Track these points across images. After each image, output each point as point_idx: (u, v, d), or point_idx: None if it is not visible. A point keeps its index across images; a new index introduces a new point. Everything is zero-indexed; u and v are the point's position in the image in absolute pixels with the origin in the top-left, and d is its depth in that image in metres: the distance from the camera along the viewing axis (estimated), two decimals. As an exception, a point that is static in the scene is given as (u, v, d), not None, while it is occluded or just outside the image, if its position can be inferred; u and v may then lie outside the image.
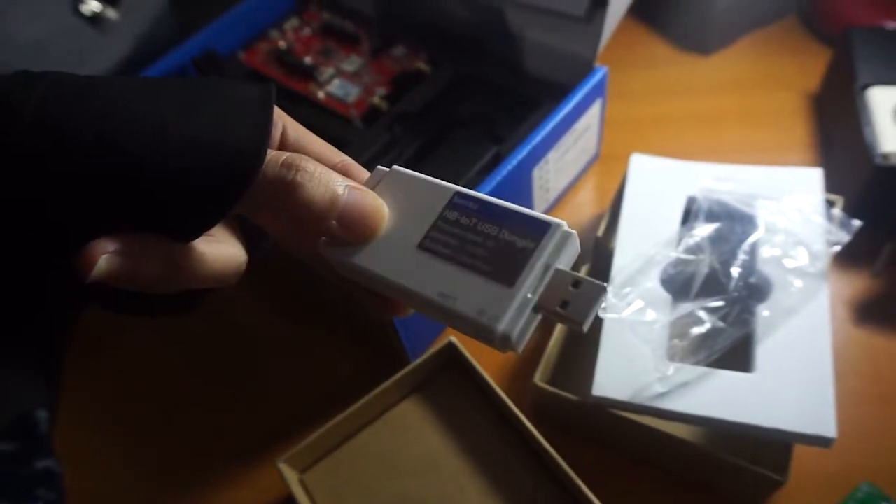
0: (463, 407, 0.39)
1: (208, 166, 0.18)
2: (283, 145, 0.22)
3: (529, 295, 0.19)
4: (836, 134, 0.50)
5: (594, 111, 0.47)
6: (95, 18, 0.52)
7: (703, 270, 0.37)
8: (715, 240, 0.38)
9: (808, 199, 0.38)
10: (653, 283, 0.37)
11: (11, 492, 0.39)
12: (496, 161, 0.43)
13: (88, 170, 0.18)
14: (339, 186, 0.20)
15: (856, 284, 0.43)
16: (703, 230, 0.38)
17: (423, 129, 0.47)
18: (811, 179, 0.40)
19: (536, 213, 0.20)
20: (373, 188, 0.22)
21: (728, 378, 0.34)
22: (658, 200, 0.41)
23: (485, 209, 0.20)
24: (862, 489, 0.35)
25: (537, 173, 0.44)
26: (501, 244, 0.20)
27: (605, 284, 0.19)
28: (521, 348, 0.19)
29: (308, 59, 0.53)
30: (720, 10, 0.56)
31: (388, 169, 0.23)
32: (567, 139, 0.46)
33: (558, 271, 0.19)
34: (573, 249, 0.20)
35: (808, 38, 0.59)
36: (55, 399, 0.46)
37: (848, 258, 0.43)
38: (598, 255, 0.42)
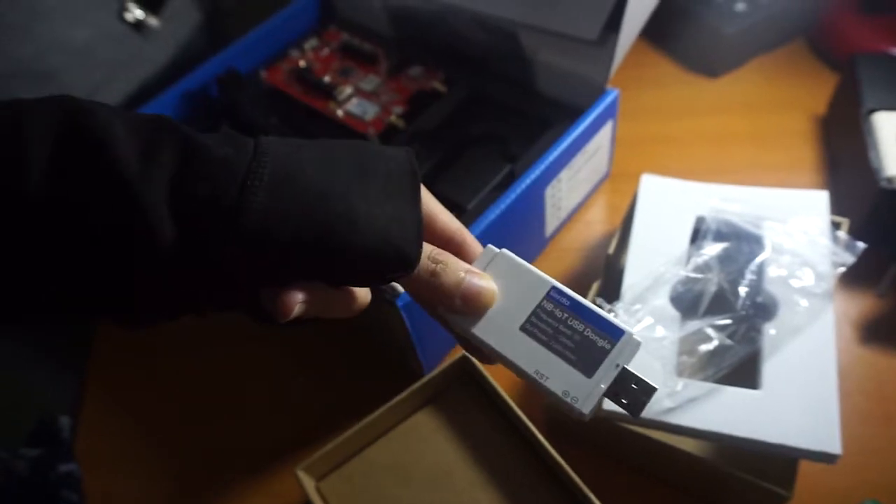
0: (476, 419, 0.40)
1: (383, 252, 0.23)
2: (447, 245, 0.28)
3: (602, 385, 0.24)
4: (842, 157, 0.51)
5: (605, 132, 0.49)
6: (138, 25, 0.54)
7: (712, 289, 0.38)
8: (723, 259, 0.39)
9: (815, 221, 0.39)
10: (662, 300, 0.38)
11: (37, 494, 0.40)
12: (510, 179, 0.45)
13: (296, 248, 0.22)
14: (462, 273, 0.26)
15: (861, 305, 0.44)
16: (712, 249, 0.39)
17: (439, 147, 0.49)
18: (817, 202, 0.41)
19: (615, 319, 0.25)
20: (484, 266, 0.28)
21: (735, 394, 0.34)
22: (668, 220, 0.42)
23: (575, 307, 0.26)
24: (866, 505, 0.36)
25: (550, 192, 0.46)
26: (586, 340, 0.25)
27: (657, 386, 0.24)
28: (590, 417, 0.25)
29: (327, 78, 0.55)
30: (729, 34, 0.58)
31: (497, 251, 0.28)
32: (579, 159, 0.47)
33: (625, 370, 0.25)
34: (636, 351, 0.25)
35: (816, 62, 0.60)
36: (78, 406, 0.48)
37: (853, 279, 0.44)
38: (609, 273, 0.43)
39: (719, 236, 0.40)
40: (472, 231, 0.40)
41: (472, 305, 0.26)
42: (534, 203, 0.45)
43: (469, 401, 0.41)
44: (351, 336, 0.48)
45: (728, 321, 0.37)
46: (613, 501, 0.34)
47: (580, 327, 0.25)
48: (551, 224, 0.49)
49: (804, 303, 0.36)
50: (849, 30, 0.57)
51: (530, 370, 0.25)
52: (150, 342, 0.51)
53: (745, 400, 0.34)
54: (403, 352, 0.43)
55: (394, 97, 0.53)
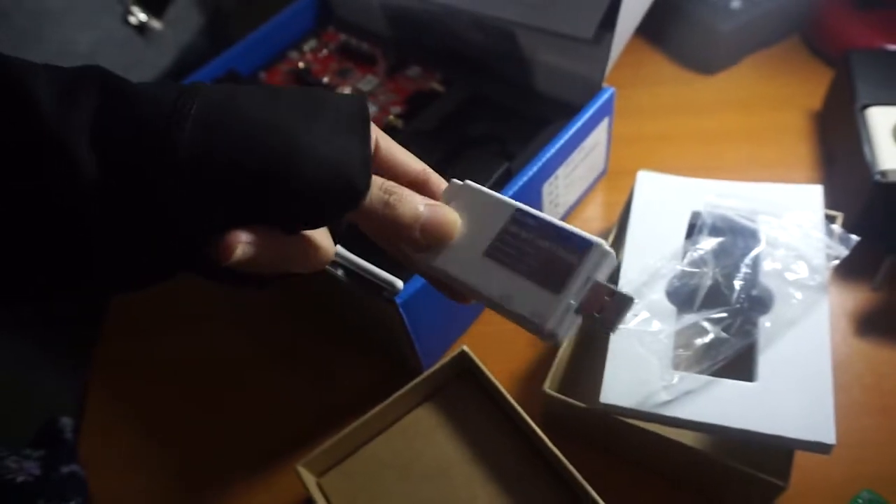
0: (474, 414, 0.41)
1: (329, 183, 0.22)
2: (376, 155, 0.26)
3: (572, 301, 0.23)
4: (837, 152, 0.51)
5: (602, 129, 0.49)
6: (142, 28, 0.55)
7: (707, 283, 0.38)
8: (718, 253, 0.39)
9: (809, 216, 0.40)
10: (658, 295, 0.39)
11: (44, 495, 0.41)
12: (507, 177, 0.45)
13: (235, 180, 0.21)
14: (420, 205, 0.25)
15: (857, 298, 0.44)
16: (707, 244, 0.40)
17: (437, 147, 0.49)
18: (812, 196, 0.41)
19: (583, 232, 0.24)
20: (448, 200, 0.26)
21: (731, 386, 0.35)
22: (663, 215, 0.43)
23: (541, 226, 0.24)
24: (863, 496, 0.36)
25: (547, 189, 0.46)
26: (552, 257, 0.24)
27: (634, 297, 0.23)
28: (563, 342, 0.24)
29: (326, 79, 0.55)
30: (725, 31, 0.58)
31: (461, 183, 0.27)
32: (576, 156, 0.47)
33: (597, 283, 0.23)
34: (610, 264, 0.24)
35: (811, 59, 0.61)
36: (81, 406, 0.48)
37: (849, 273, 0.45)
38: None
39: (714, 231, 0.40)
40: (469, 228, 0.41)
41: (433, 236, 0.25)
42: (531, 200, 0.45)
43: (467, 396, 0.41)
44: (350, 333, 0.48)
45: (723, 314, 0.37)
46: (611, 495, 0.34)
47: (546, 245, 0.24)
48: (549, 221, 0.50)
49: (799, 295, 0.37)
50: (843, 26, 0.58)
51: (495, 295, 0.24)
52: (151, 343, 0.51)
53: (740, 392, 0.35)
54: (402, 349, 0.43)
55: (392, 97, 0.53)
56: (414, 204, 0.25)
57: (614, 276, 0.40)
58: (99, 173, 0.20)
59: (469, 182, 0.27)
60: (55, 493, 0.41)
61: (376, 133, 0.26)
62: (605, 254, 0.23)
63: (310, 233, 0.25)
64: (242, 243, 0.22)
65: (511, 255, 0.24)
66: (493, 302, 0.24)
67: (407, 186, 0.26)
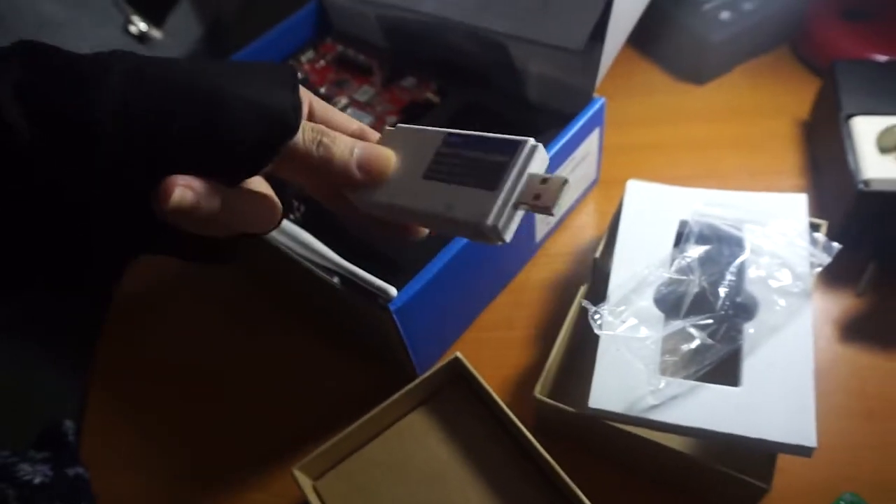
0: (467, 419, 0.41)
1: (258, 122, 0.23)
2: (311, 116, 0.27)
3: (511, 196, 0.24)
4: (823, 160, 0.52)
5: (593, 139, 0.50)
6: (142, 38, 0.56)
7: (694, 290, 0.39)
8: (705, 261, 0.40)
9: (793, 224, 0.41)
10: (646, 302, 0.40)
11: (58, 497, 0.41)
12: (500, 186, 0.46)
13: (164, 129, 0.22)
14: (354, 143, 0.26)
15: (841, 304, 0.45)
16: (694, 252, 0.41)
17: (431, 156, 0.50)
18: (796, 204, 0.42)
19: (511, 136, 0.25)
20: (386, 139, 0.28)
21: (716, 391, 0.36)
22: (652, 224, 0.44)
23: (470, 140, 0.26)
24: (845, 498, 0.37)
25: (538, 198, 0.47)
26: (485, 162, 0.25)
27: (566, 177, 0.24)
28: (508, 237, 0.24)
29: (323, 89, 0.56)
30: (715, 42, 0.59)
31: (395, 127, 0.28)
32: (567, 165, 0.48)
33: (530, 175, 0.24)
34: (541, 158, 0.25)
35: (800, 69, 0.62)
36: (82, 409, 0.49)
37: (834, 279, 0.46)
38: (596, 276, 0.45)
39: (702, 239, 0.41)
40: (461, 238, 0.42)
41: (369, 171, 0.26)
42: (523, 209, 0.46)
43: (461, 401, 0.42)
44: (347, 339, 0.49)
45: (709, 321, 0.38)
46: (600, 497, 0.35)
47: (478, 154, 0.25)
48: (541, 229, 0.51)
49: (782, 302, 0.38)
50: (830, 37, 0.59)
51: (438, 209, 0.25)
52: (150, 347, 0.52)
53: (725, 397, 0.35)
54: (397, 355, 0.44)
55: (388, 107, 0.54)
56: (348, 143, 0.26)
57: (603, 285, 0.41)
58: (32, 134, 0.21)
59: (401, 125, 0.28)
60: (65, 495, 0.42)
61: (309, 97, 0.27)
62: (533, 148, 0.24)
63: (252, 186, 0.26)
64: (179, 186, 0.22)
65: (447, 171, 0.26)
66: (437, 217, 0.25)
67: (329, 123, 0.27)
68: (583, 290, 0.44)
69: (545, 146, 0.45)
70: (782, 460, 0.37)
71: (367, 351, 0.48)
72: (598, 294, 0.41)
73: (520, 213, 0.24)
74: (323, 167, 0.25)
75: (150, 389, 0.50)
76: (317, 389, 0.47)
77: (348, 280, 0.41)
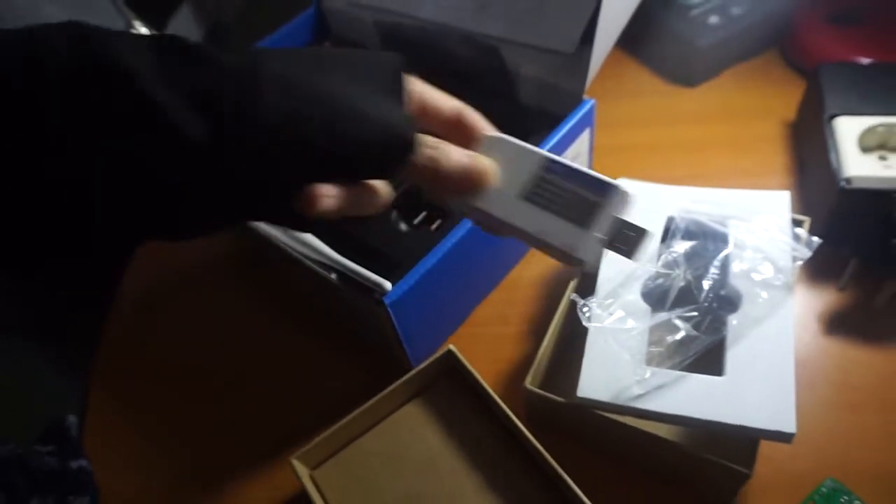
0: (461, 410, 0.43)
1: (381, 143, 0.27)
2: (412, 101, 0.30)
3: (598, 234, 0.28)
4: (808, 159, 0.54)
5: (583, 139, 0.51)
6: None
7: (679, 283, 0.40)
8: (690, 256, 0.41)
9: (776, 220, 0.42)
10: (634, 295, 0.41)
11: (60, 488, 0.43)
12: (492, 185, 0.47)
13: (311, 141, 0.25)
14: (463, 156, 0.29)
15: (825, 299, 0.46)
16: (681, 247, 0.42)
17: (427, 157, 0.51)
18: (780, 201, 0.44)
19: (605, 177, 0.29)
20: (485, 151, 0.31)
21: (700, 381, 0.37)
22: (640, 221, 0.45)
23: (569, 173, 0.29)
24: (826, 484, 0.38)
25: (530, 196, 0.48)
26: (581, 199, 0.28)
27: (648, 230, 0.28)
28: (595, 268, 0.30)
29: (321, 93, 0.58)
30: (704, 46, 0.61)
31: (496, 135, 0.31)
32: (558, 165, 0.50)
33: (617, 219, 0.28)
34: (629, 203, 0.29)
35: (788, 71, 0.63)
36: (84, 405, 0.50)
37: (817, 274, 0.47)
38: (585, 271, 0.46)
39: (688, 235, 0.43)
40: (456, 233, 0.43)
41: (474, 183, 0.29)
42: (515, 207, 0.48)
43: (454, 393, 0.43)
44: (344, 334, 0.50)
45: (694, 313, 0.39)
46: (587, 483, 0.36)
47: (574, 188, 0.29)
48: (533, 227, 0.52)
49: (765, 295, 0.39)
50: (818, 40, 0.60)
51: (533, 231, 0.29)
52: (150, 343, 0.53)
53: (709, 386, 0.37)
54: (392, 348, 0.45)
55: (384, 110, 0.56)
56: (455, 156, 0.29)
57: (592, 279, 0.43)
58: (202, 135, 0.24)
59: (502, 135, 0.31)
60: (70, 486, 0.43)
61: (410, 82, 0.29)
62: (625, 194, 0.28)
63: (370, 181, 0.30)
64: (325, 196, 0.27)
65: (545, 197, 0.29)
66: (530, 236, 0.29)
67: (443, 123, 0.30)
68: (572, 284, 0.45)
69: (537, 146, 0.46)
70: (768, 450, 0.38)
71: (364, 347, 0.50)
72: (588, 289, 0.42)
73: (604, 250, 0.28)
74: (430, 175, 0.29)
75: (149, 388, 0.51)
76: (315, 385, 0.49)
77: (345, 275, 0.42)
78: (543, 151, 0.30)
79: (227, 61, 0.25)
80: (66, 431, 0.47)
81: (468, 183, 0.29)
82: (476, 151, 0.30)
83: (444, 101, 0.31)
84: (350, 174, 0.28)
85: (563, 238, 0.28)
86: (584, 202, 0.28)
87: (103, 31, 0.24)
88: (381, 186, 0.30)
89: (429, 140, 0.29)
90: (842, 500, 0.38)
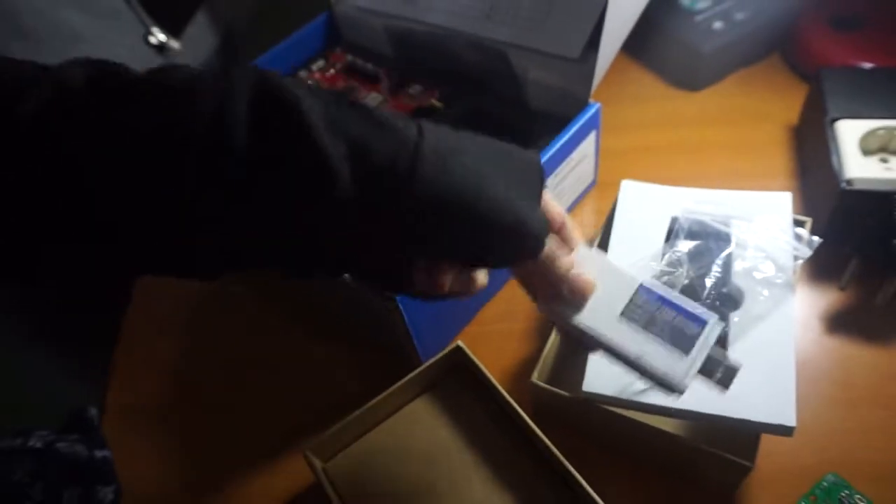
0: (469, 404, 0.44)
1: (520, 240, 0.28)
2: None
3: (697, 364, 0.30)
4: (810, 162, 0.55)
5: (589, 142, 0.53)
6: (161, 48, 0.59)
7: (683, 282, 0.41)
8: (694, 255, 0.42)
9: (777, 220, 0.43)
10: (638, 293, 0.42)
11: (88, 477, 0.44)
12: (500, 186, 0.49)
13: (452, 222, 0.26)
14: (570, 269, 0.31)
15: (826, 298, 0.47)
16: (684, 247, 0.43)
17: (436, 159, 0.53)
18: (781, 202, 0.45)
19: (698, 308, 0.31)
20: (581, 259, 0.32)
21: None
22: (645, 221, 0.46)
23: (662, 300, 0.31)
24: (828, 479, 0.39)
25: (537, 197, 0.50)
26: (679, 325, 0.31)
27: (740, 365, 0.30)
28: (687, 391, 0.30)
29: (333, 97, 0.59)
30: (708, 51, 0.62)
31: (591, 249, 0.33)
32: (564, 167, 0.51)
33: (713, 348, 0.30)
34: (720, 333, 0.31)
35: (790, 76, 0.64)
36: (103, 399, 0.52)
37: (818, 274, 0.48)
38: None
39: (691, 235, 0.44)
40: (464, 232, 0.44)
41: (576, 294, 0.31)
42: (522, 208, 0.49)
43: (462, 388, 0.44)
44: (356, 332, 0.52)
45: (697, 310, 0.40)
46: (593, 476, 0.37)
47: (671, 315, 0.31)
48: (540, 228, 0.53)
49: (766, 293, 0.40)
50: (820, 45, 0.61)
51: (632, 352, 0.30)
52: (167, 342, 0.55)
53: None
54: (403, 345, 0.46)
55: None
56: (566, 266, 0.31)
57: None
58: (352, 195, 0.24)
59: (598, 249, 0.34)
60: (95, 474, 0.44)
61: (566, 217, 0.32)
62: (718, 326, 0.31)
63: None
64: (451, 278, 0.29)
65: (643, 319, 0.31)
66: (628, 357, 0.31)
67: (552, 222, 0.32)
68: (579, 283, 0.46)
69: (543, 149, 0.48)
70: (770, 445, 0.39)
71: (375, 345, 0.51)
72: (593, 287, 0.43)
73: (697, 376, 0.31)
74: (539, 274, 0.31)
75: (165, 383, 0.52)
76: (328, 382, 0.50)
77: (357, 273, 0.43)
78: (635, 274, 0.32)
79: (395, 126, 0.25)
80: (89, 421, 0.48)
81: (572, 292, 0.31)
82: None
83: (553, 208, 0.32)
84: (478, 260, 0.29)
85: (663, 363, 0.30)
86: (682, 331, 0.30)
87: (287, 85, 0.25)
88: (482, 274, 0.31)
89: (549, 249, 0.30)
90: (842, 495, 0.38)
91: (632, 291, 0.32)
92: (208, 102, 0.24)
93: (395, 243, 0.27)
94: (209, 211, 0.24)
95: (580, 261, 0.32)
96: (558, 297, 0.32)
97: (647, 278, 0.32)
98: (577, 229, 0.33)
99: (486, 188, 0.26)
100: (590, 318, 0.31)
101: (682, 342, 0.30)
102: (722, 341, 0.39)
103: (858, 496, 0.38)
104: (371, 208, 0.25)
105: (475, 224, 0.26)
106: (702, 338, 0.30)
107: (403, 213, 0.25)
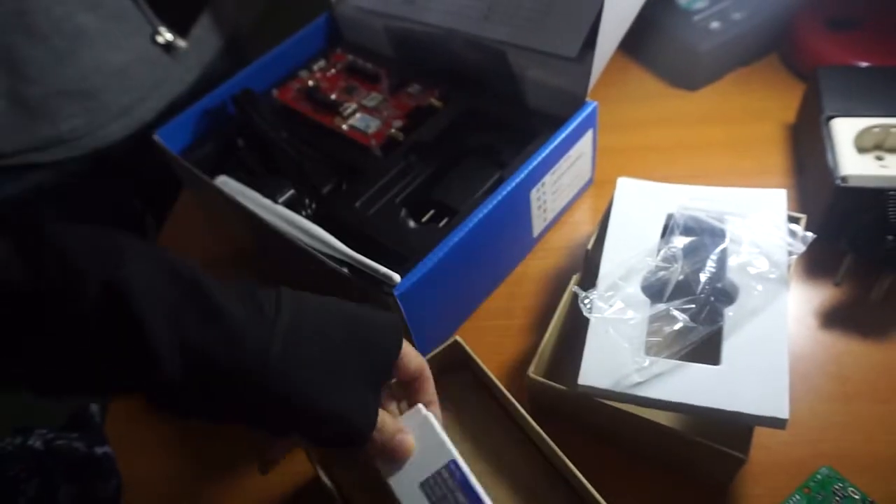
0: (466, 399, 0.44)
1: (345, 434, 0.33)
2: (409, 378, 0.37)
3: None
4: (806, 160, 0.55)
5: (586, 140, 0.53)
6: (168, 47, 0.60)
7: (678, 277, 0.42)
8: (689, 251, 0.43)
9: (772, 216, 0.43)
10: (633, 288, 0.42)
11: (87, 474, 0.45)
12: (500, 184, 0.49)
13: (283, 417, 0.32)
14: (396, 433, 0.35)
15: (821, 293, 0.48)
16: (679, 242, 0.43)
17: (435, 157, 0.53)
18: (776, 199, 0.45)
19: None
20: (411, 418, 0.37)
21: (697, 369, 0.38)
22: (641, 217, 0.46)
23: (463, 482, 0.35)
24: (822, 472, 0.39)
25: (535, 195, 0.50)
26: None
27: None
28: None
29: (333, 96, 0.60)
30: (705, 51, 0.62)
31: (424, 413, 0.37)
32: (562, 165, 0.51)
33: None
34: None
35: (787, 75, 0.65)
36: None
37: (813, 270, 0.48)
38: (588, 266, 0.47)
39: (687, 231, 0.44)
40: (463, 228, 0.45)
41: (394, 458, 0.35)
42: (520, 204, 0.49)
43: (460, 383, 0.45)
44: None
45: (692, 305, 0.40)
46: (589, 470, 0.37)
47: (462, 500, 0.34)
48: (538, 225, 0.54)
49: (760, 287, 0.40)
50: (817, 45, 0.62)
51: None
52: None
53: (706, 374, 0.38)
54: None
55: (394, 112, 0.58)
56: (393, 433, 0.35)
57: (594, 274, 0.44)
58: (181, 378, 0.28)
59: (430, 415, 0.37)
60: (96, 472, 0.45)
61: (425, 365, 0.37)
62: None
63: None
64: (275, 458, 0.37)
65: (437, 495, 0.35)
66: None
67: (405, 376, 0.37)
68: (575, 278, 0.47)
69: (541, 146, 0.48)
70: (765, 438, 0.40)
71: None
72: (590, 283, 0.44)
73: None
74: (368, 450, 0.35)
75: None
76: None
77: (356, 269, 0.44)
78: (453, 449, 0.36)
79: (240, 328, 0.29)
80: (90, 419, 0.49)
81: (390, 456, 0.35)
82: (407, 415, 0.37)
83: (412, 360, 0.36)
84: (308, 440, 0.36)
85: None
86: None
87: (134, 280, 0.28)
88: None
89: (381, 443, 0.34)
90: (836, 487, 0.39)
91: (441, 465, 0.35)
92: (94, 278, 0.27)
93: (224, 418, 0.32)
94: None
95: (410, 418, 0.37)
96: (377, 458, 0.36)
97: (459, 458, 0.35)
98: (431, 382, 0.37)
99: (322, 399, 0.31)
100: (395, 475, 0.36)
101: None
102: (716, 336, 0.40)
103: (852, 488, 0.39)
104: (199, 399, 0.30)
105: (303, 423, 0.32)
106: None
107: (236, 406, 0.30)
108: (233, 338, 0.29)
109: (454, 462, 0.35)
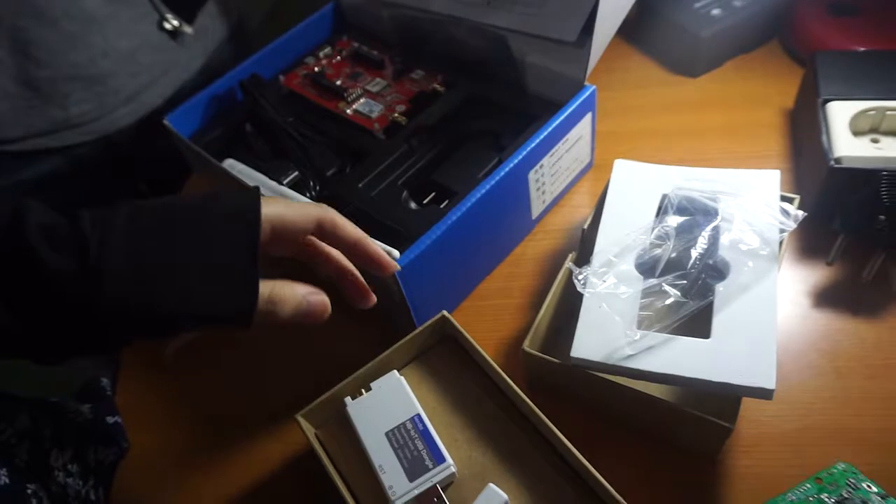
0: (455, 371, 0.44)
1: (223, 316, 0.32)
2: (322, 229, 0.37)
3: (416, 491, 0.37)
4: (803, 143, 0.56)
5: (585, 123, 0.54)
6: (175, 33, 0.61)
7: (670, 254, 0.43)
8: (682, 229, 0.44)
9: (764, 195, 0.44)
10: (627, 265, 0.43)
11: (99, 438, 0.46)
12: (498, 167, 0.50)
13: (149, 321, 0.31)
14: (301, 297, 0.35)
15: (814, 273, 0.48)
16: (673, 221, 0.44)
17: (437, 141, 0.55)
18: (769, 179, 0.46)
19: (446, 451, 0.38)
20: (383, 381, 0.42)
21: (688, 342, 0.39)
22: (636, 197, 0.47)
23: (425, 433, 0.39)
24: (838, 466, 0.37)
25: (533, 177, 0.51)
26: (420, 457, 0.38)
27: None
28: None
29: (338, 82, 0.61)
30: (706, 37, 0.63)
31: (397, 377, 0.42)
32: (560, 148, 0.52)
33: (434, 486, 0.37)
34: (449, 478, 0.38)
35: (787, 61, 0.65)
36: (116, 369, 0.54)
37: (807, 249, 0.49)
38: (584, 245, 0.48)
39: (680, 210, 0.45)
40: (461, 207, 0.46)
41: (314, 319, 0.36)
42: (518, 186, 0.50)
43: (449, 357, 0.45)
44: (356, 309, 0.53)
45: (683, 280, 0.41)
46: (581, 440, 0.38)
47: (421, 447, 0.38)
48: (537, 207, 0.55)
49: (751, 264, 0.41)
50: (817, 31, 0.62)
51: (376, 464, 0.38)
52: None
53: (696, 347, 0.39)
54: (401, 318, 0.48)
55: (398, 97, 0.59)
56: (295, 299, 0.35)
57: (590, 252, 0.45)
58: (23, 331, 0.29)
59: (396, 373, 0.42)
60: (104, 436, 0.46)
61: (320, 213, 0.36)
62: (450, 472, 0.38)
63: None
64: (175, 349, 0.37)
65: (399, 442, 0.39)
66: (372, 465, 0.38)
67: (346, 249, 0.38)
68: (571, 256, 0.48)
69: (539, 130, 0.49)
70: (756, 412, 0.41)
71: (374, 318, 0.52)
72: (585, 261, 0.45)
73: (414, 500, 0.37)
74: (267, 321, 0.34)
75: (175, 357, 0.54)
76: (329, 352, 0.51)
77: (356, 245, 0.45)
78: (418, 406, 0.40)
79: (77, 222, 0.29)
80: (101, 391, 0.50)
81: (310, 319, 0.36)
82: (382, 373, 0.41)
83: (350, 231, 0.37)
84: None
85: (392, 482, 0.37)
86: (421, 462, 0.38)
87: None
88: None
89: (271, 295, 0.34)
90: (849, 482, 0.38)
91: (406, 418, 0.39)
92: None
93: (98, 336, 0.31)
94: None
95: (384, 380, 0.42)
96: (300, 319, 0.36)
97: (422, 413, 0.40)
98: (381, 252, 0.39)
99: (164, 304, 0.30)
100: (364, 419, 0.40)
101: (416, 470, 0.37)
102: (707, 311, 0.40)
103: (868, 483, 0.38)
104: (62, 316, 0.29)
105: (164, 327, 0.31)
106: (431, 473, 0.37)
107: (97, 326, 0.30)
108: (57, 293, 0.29)
109: (418, 416, 0.40)
